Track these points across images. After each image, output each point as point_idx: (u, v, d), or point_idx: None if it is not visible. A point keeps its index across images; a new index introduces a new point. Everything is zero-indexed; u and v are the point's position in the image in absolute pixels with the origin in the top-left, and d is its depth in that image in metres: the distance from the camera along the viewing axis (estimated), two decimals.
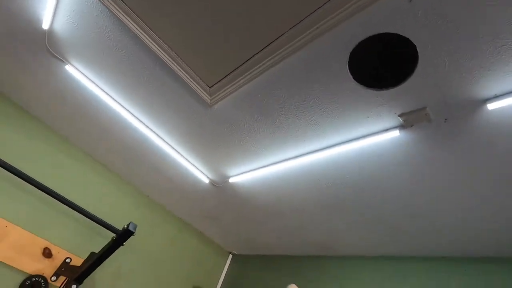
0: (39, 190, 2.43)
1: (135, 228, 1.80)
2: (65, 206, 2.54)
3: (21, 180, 2.37)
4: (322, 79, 1.32)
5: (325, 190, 1.91)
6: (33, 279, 2.25)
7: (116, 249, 1.83)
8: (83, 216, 2.61)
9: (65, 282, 1.92)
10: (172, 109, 1.83)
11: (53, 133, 2.67)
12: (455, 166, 1.40)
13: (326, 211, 2.10)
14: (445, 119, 1.26)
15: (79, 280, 1.84)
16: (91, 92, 1.97)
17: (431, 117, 1.27)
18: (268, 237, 2.91)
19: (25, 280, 2.22)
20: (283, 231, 2.65)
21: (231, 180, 2.23)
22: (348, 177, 1.73)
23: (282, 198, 2.19)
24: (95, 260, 1.81)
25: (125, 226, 1.80)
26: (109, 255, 1.83)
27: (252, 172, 2.04)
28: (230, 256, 3.70)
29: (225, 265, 3.63)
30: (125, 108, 2.00)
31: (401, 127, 1.35)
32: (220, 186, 2.38)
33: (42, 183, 1.95)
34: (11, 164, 1.94)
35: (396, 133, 1.36)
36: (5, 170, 2.30)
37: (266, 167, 1.93)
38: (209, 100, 1.64)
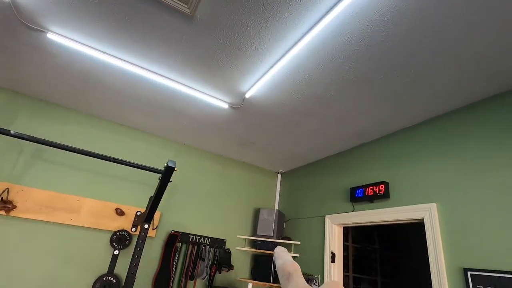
0: (92, 165, 2.69)
1: (174, 163, 1.91)
2: (117, 172, 2.81)
3: (77, 159, 2.62)
4: None
5: (344, 64, 1.75)
6: (118, 233, 2.63)
7: (166, 185, 1.99)
8: (135, 176, 2.88)
9: (140, 227, 2.20)
10: (161, 39, 1.75)
11: (78, 113, 2.82)
12: None
13: (354, 89, 1.97)
14: None
15: (147, 220, 2.09)
16: (84, 54, 1.95)
17: None
18: (306, 144, 2.92)
19: (112, 235, 2.61)
20: (319, 132, 2.62)
21: (247, 95, 2.18)
22: (363, 39, 1.55)
23: (304, 94, 2.09)
24: (153, 200, 2.02)
25: (165, 165, 1.92)
26: (162, 193, 2.02)
27: (264, 78, 1.95)
28: (279, 175, 3.87)
29: (276, 185, 3.83)
30: (124, 61, 1.97)
31: None
32: (241, 107, 2.36)
33: (99, 153, 2.13)
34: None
35: None
36: (63, 155, 2.55)
37: (274, 66, 1.82)
38: (187, 10, 1.51)
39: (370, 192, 2.36)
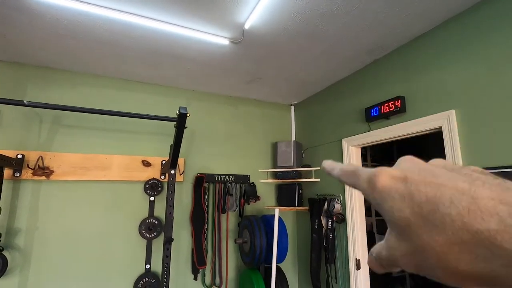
0: (111, 124, 2.77)
1: (185, 109, 1.93)
2: (136, 127, 2.90)
3: (95, 120, 2.71)
4: None
5: None
6: (150, 182, 2.84)
7: (182, 132, 2.05)
8: (154, 129, 2.97)
9: (168, 173, 2.35)
10: None
11: (82, 75, 2.80)
12: None
13: None
14: None
15: (172, 166, 2.22)
16: (68, 9, 1.85)
17: None
18: (315, 70, 2.80)
19: (145, 184, 2.83)
20: (327, 55, 2.48)
21: (246, 26, 2.03)
22: None
23: (307, 13, 1.92)
24: (174, 147, 2.11)
25: (177, 112, 1.94)
26: (181, 139, 2.09)
27: (261, 2, 1.78)
28: (292, 107, 3.84)
29: (290, 117, 3.83)
30: (109, 8, 1.85)
31: None
32: (242, 40, 2.23)
33: (111, 110, 2.21)
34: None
35: None
36: (81, 118, 2.65)
37: None
38: None
39: (386, 109, 2.31)
